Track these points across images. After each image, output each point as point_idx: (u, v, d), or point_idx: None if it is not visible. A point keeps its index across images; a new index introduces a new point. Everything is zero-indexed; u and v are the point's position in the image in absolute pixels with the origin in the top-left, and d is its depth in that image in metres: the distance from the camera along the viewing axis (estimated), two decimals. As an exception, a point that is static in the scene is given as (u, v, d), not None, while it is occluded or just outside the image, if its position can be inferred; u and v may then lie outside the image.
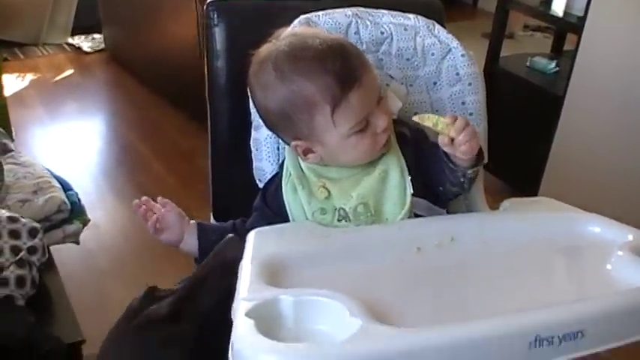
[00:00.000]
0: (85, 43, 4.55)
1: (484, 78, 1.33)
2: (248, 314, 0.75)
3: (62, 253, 1.77)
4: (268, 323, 0.75)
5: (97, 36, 4.58)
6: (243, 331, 0.73)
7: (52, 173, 1.99)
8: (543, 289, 0.88)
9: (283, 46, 1.10)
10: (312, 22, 1.24)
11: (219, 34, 1.33)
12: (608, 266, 0.92)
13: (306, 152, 1.14)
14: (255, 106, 1.18)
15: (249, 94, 1.19)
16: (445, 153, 1.06)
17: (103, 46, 4.47)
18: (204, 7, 1.34)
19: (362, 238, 1.05)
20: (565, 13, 2.81)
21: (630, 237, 0.97)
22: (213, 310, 0.97)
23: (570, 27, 2.83)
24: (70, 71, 4.23)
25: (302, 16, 1.25)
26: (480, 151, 1.07)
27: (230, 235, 1.11)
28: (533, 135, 2.79)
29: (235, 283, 0.89)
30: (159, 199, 1.24)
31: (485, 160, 1.30)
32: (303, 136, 1.12)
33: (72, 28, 4.60)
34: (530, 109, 2.89)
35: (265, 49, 1.12)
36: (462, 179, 1.09)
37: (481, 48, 3.11)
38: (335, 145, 1.11)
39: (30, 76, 4.07)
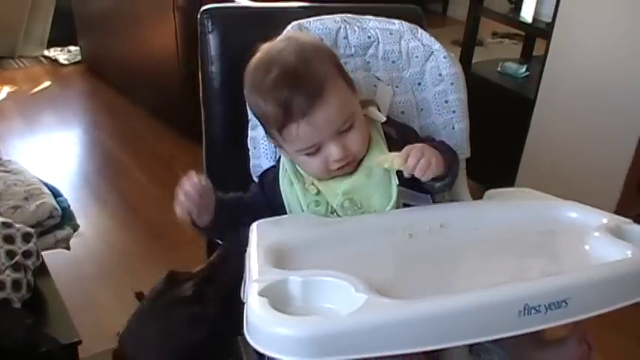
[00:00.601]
0: (61, 55, 4.56)
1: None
2: (261, 293, 0.81)
3: (49, 261, 1.80)
4: (279, 302, 0.80)
5: (72, 48, 4.59)
6: (257, 307, 0.79)
7: (41, 180, 2.03)
8: (528, 267, 0.95)
9: (271, 53, 1.16)
10: (303, 27, 1.31)
11: (213, 40, 1.39)
12: (587, 246, 1.00)
13: (276, 145, 1.24)
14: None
15: None
16: None
17: (79, 58, 4.49)
18: (199, 14, 1.39)
19: (357, 225, 1.11)
20: (534, 19, 2.90)
21: (605, 220, 1.04)
22: (233, 292, 1.02)
23: (539, 32, 2.92)
24: (47, 83, 4.23)
25: (294, 22, 1.31)
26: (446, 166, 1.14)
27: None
28: (507, 137, 2.86)
29: None
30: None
31: (468, 154, 1.38)
32: (271, 136, 1.21)
33: (48, 40, 4.62)
34: (503, 112, 2.96)
35: (265, 46, 1.19)
36: (437, 185, 1.17)
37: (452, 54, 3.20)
38: (291, 156, 1.20)
39: (7, 89, 4.08)
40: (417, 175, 1.08)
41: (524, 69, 3.10)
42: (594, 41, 2.41)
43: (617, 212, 1.07)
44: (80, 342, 1.55)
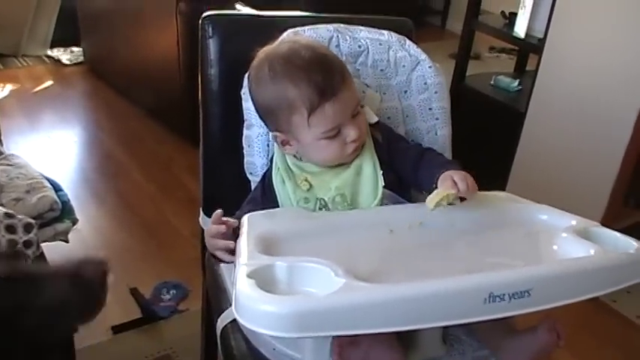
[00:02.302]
0: (64, 55, 4.63)
1: (450, 95, 1.48)
2: (249, 275, 0.88)
3: (46, 255, 1.84)
4: (265, 284, 0.87)
5: (75, 49, 4.66)
6: (244, 287, 0.86)
7: (42, 175, 2.09)
8: (498, 263, 1.02)
9: (282, 50, 1.25)
10: (298, 35, 1.38)
11: (213, 45, 1.46)
12: (555, 246, 1.07)
13: (284, 143, 1.29)
14: (250, 94, 1.32)
15: (242, 89, 1.33)
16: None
17: (82, 58, 4.55)
18: (200, 20, 1.47)
19: (343, 219, 1.19)
20: (527, 34, 2.96)
21: (573, 222, 1.12)
22: None
23: (531, 47, 2.98)
24: (49, 82, 4.30)
25: (290, 30, 1.38)
26: None
27: None
28: (497, 149, 2.92)
29: None
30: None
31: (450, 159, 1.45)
32: (283, 129, 1.27)
33: (51, 40, 4.69)
34: (495, 124, 3.03)
35: (267, 48, 1.27)
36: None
37: (448, 67, 3.25)
38: (308, 144, 1.26)
39: (10, 86, 4.14)
40: (471, 193, 1.16)
41: (516, 83, 3.17)
42: (584, 58, 2.46)
43: (603, 224, 1.14)
44: (76, 330, 1.60)
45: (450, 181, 1.15)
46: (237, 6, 2.91)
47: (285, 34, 1.37)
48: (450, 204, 1.15)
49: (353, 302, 0.83)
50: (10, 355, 1.02)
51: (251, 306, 0.83)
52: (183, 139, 3.48)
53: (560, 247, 1.06)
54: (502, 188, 2.80)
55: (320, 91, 1.19)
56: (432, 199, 1.14)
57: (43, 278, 1.06)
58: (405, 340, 1.08)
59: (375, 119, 1.35)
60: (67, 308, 1.04)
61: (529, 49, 3.24)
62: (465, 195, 1.15)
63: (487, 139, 3.02)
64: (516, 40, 3.08)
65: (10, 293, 1.01)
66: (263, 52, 1.27)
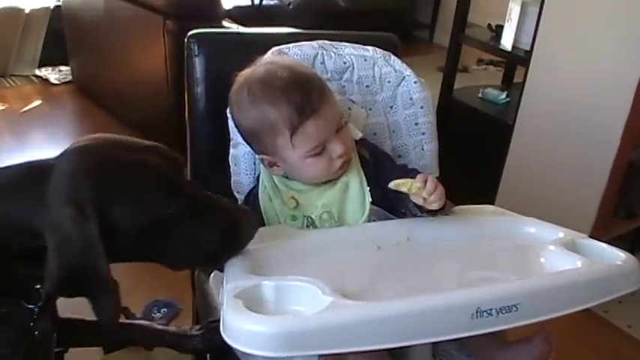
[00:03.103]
0: (52, 75, 4.62)
1: (438, 109, 1.48)
2: (236, 296, 0.88)
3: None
4: (253, 304, 0.87)
5: (63, 68, 4.65)
6: (232, 308, 0.85)
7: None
8: (486, 277, 1.02)
9: (259, 73, 1.25)
10: (283, 53, 1.39)
11: (199, 63, 1.46)
12: (542, 259, 1.08)
13: (271, 164, 1.29)
14: (233, 119, 1.32)
15: (228, 109, 1.34)
16: (415, 205, 1.20)
17: (70, 77, 4.54)
18: (186, 38, 1.46)
19: (330, 237, 1.19)
20: (513, 47, 2.96)
21: (561, 234, 1.13)
22: None
23: (519, 60, 2.99)
24: (37, 102, 4.28)
25: (274, 48, 1.39)
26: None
27: None
28: (486, 161, 2.92)
29: None
30: None
31: (437, 174, 1.46)
32: (269, 152, 1.27)
33: (39, 60, 4.68)
34: (483, 137, 3.02)
35: (246, 72, 1.27)
36: (431, 215, 1.23)
37: (436, 81, 3.27)
38: (294, 163, 1.26)
39: (-2, 107, 4.14)
40: (432, 199, 1.16)
41: (504, 95, 3.17)
42: (570, 69, 2.47)
43: (593, 235, 1.14)
44: (66, 351, 1.59)
45: (422, 177, 1.17)
46: (225, 23, 2.92)
47: (269, 52, 1.38)
48: (415, 205, 1.17)
49: (340, 320, 0.82)
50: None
51: (238, 326, 0.83)
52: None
53: (548, 259, 1.07)
54: (491, 200, 2.82)
55: (300, 109, 1.19)
56: (397, 181, 1.16)
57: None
58: (394, 355, 1.07)
59: (359, 135, 1.35)
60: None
61: (516, 62, 3.25)
62: (427, 196, 1.15)
63: (476, 152, 3.02)
64: (503, 52, 3.08)
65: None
66: (241, 76, 1.27)
